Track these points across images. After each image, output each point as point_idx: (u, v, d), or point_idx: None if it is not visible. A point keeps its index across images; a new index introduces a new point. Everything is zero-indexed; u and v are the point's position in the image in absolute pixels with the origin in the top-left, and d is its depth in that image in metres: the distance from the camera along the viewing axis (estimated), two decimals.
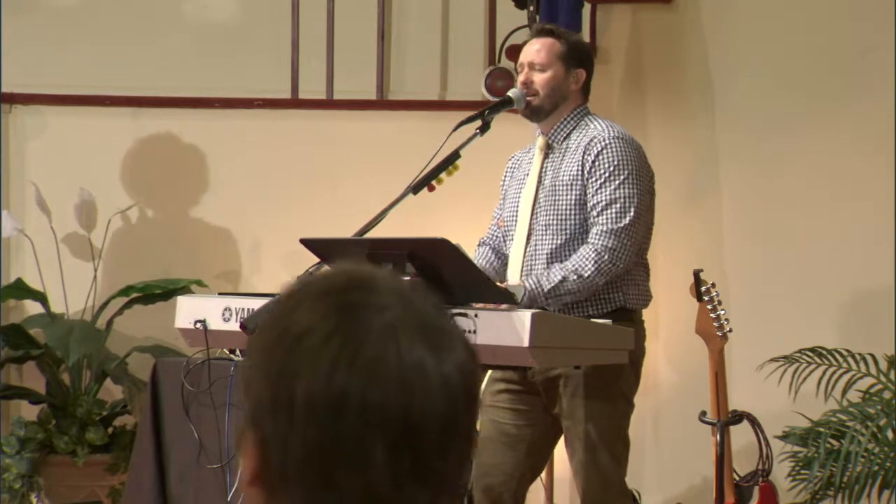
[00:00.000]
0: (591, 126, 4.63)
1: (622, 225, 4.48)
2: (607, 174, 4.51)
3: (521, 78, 4.67)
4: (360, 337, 1.32)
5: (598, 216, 4.50)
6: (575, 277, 4.43)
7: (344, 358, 1.31)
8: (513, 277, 4.60)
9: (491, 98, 5.82)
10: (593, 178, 4.53)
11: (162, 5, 6.49)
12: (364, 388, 1.30)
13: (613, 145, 4.54)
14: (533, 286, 4.43)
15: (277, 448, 1.32)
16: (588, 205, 4.53)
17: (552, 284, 4.42)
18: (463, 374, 1.34)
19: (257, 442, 1.34)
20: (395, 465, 1.30)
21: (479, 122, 4.51)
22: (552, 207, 4.58)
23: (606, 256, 4.45)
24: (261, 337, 1.37)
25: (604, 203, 4.50)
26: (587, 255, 4.45)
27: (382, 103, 6.42)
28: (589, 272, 4.44)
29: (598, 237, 4.47)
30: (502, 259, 4.76)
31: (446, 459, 1.33)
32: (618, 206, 4.49)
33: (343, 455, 1.30)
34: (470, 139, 4.47)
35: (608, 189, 4.50)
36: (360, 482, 1.30)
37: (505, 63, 6.15)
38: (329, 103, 6.41)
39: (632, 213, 4.49)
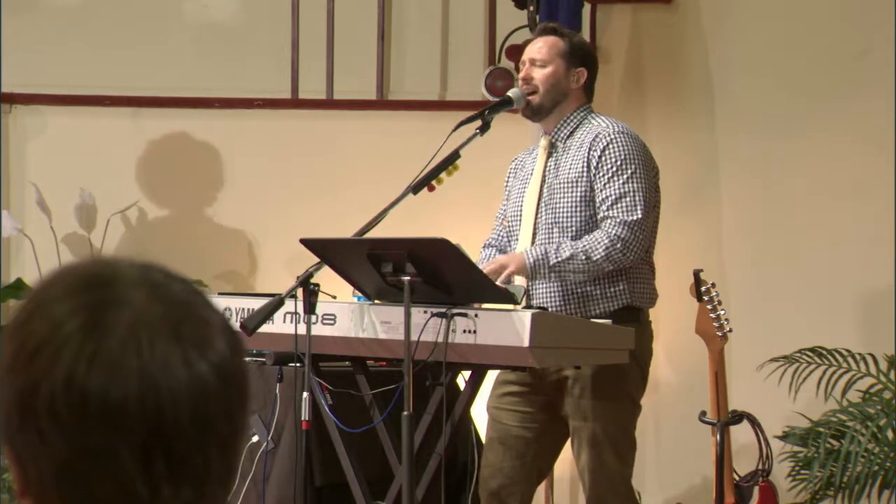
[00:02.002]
0: (595, 123, 4.62)
1: (635, 218, 4.46)
2: (615, 168, 4.50)
3: (521, 74, 4.67)
4: (98, 336, 1.26)
5: (608, 209, 4.49)
6: (583, 258, 4.43)
7: (83, 360, 1.25)
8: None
9: (491, 98, 5.82)
10: (601, 173, 4.52)
11: (162, 5, 6.48)
12: (104, 389, 1.25)
13: (619, 140, 4.54)
14: (539, 256, 4.42)
15: (32, 465, 1.28)
16: (597, 199, 4.52)
17: (559, 259, 4.42)
18: (215, 364, 1.29)
19: (14, 460, 1.30)
20: (148, 466, 1.26)
21: (478, 122, 4.51)
22: (557, 205, 4.57)
23: (619, 245, 4.44)
24: (4, 349, 1.30)
25: (614, 197, 4.49)
26: (599, 240, 4.44)
27: (382, 103, 6.41)
28: (598, 256, 4.43)
29: (611, 227, 4.46)
30: None
31: (205, 452, 1.28)
32: (628, 199, 4.48)
33: (94, 462, 1.26)
34: (470, 139, 4.46)
35: (617, 183, 4.49)
36: (117, 488, 1.26)
37: (505, 63, 6.15)
38: (329, 103, 6.40)
39: (642, 207, 4.48)
